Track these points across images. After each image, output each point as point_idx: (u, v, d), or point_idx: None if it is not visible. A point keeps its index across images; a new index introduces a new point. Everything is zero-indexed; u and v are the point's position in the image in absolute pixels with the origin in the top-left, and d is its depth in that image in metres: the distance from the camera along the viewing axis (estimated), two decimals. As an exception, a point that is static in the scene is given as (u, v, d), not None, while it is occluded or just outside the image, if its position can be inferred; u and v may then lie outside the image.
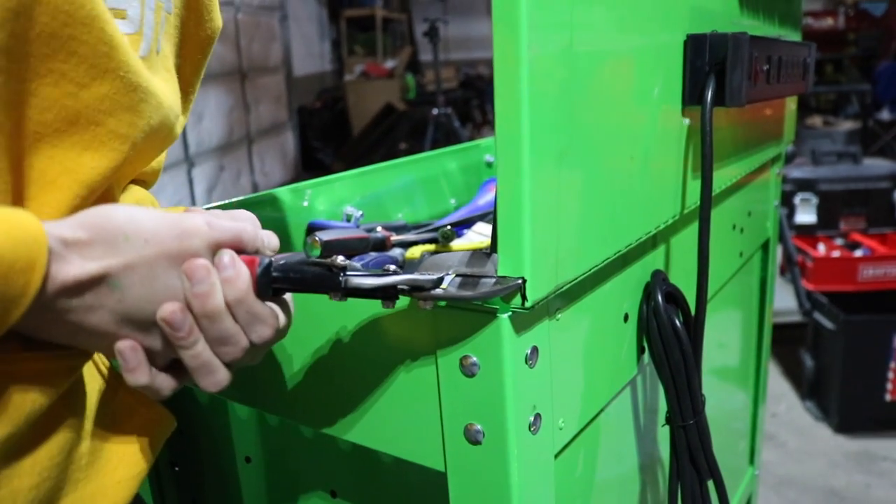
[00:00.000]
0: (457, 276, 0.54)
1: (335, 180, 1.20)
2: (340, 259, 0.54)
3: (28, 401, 0.50)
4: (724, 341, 1.25)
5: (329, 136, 8.35)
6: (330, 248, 0.95)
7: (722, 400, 1.30)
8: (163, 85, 0.60)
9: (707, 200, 0.74)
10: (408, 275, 0.53)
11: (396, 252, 1.03)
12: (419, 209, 1.40)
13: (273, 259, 0.54)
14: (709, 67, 0.75)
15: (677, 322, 0.73)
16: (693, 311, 0.77)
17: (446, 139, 5.54)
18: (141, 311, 0.49)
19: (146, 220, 0.49)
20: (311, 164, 8.37)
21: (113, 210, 0.49)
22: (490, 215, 1.16)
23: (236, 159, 6.97)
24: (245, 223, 0.56)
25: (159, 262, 0.48)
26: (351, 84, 8.64)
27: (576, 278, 0.58)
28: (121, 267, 0.47)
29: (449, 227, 1.11)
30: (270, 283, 0.53)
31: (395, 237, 1.06)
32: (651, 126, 0.70)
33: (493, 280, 0.52)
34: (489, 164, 1.56)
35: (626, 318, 0.73)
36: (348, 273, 0.53)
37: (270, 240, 0.57)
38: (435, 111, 5.27)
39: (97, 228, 0.47)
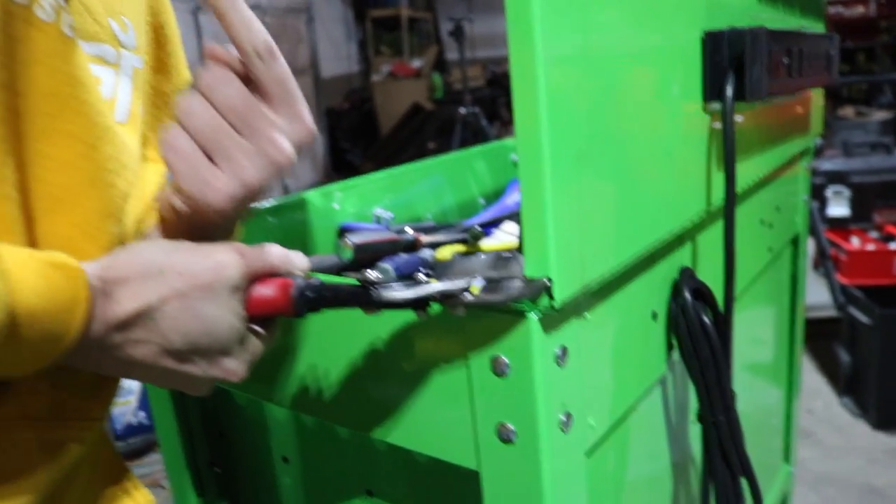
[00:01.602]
0: (485, 280, 0.55)
1: (364, 182, 1.22)
2: (372, 274, 0.55)
3: (33, 473, 0.52)
4: (755, 337, 1.25)
5: (358, 137, 8.39)
6: (361, 251, 0.97)
7: (754, 396, 1.30)
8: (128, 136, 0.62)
9: (731, 197, 0.74)
10: (438, 285, 0.54)
11: (426, 253, 1.04)
12: (448, 209, 1.41)
13: (306, 280, 0.56)
14: (728, 63, 0.76)
15: (706, 319, 0.74)
16: (722, 308, 0.78)
17: (474, 138, 5.55)
18: (180, 341, 0.51)
19: (179, 254, 0.51)
20: (340, 166, 8.41)
21: (147, 247, 0.51)
22: (517, 214, 1.17)
23: (266, 164, 7.02)
24: (274, 247, 0.57)
25: (195, 294, 0.50)
26: (378, 84, 8.67)
27: (602, 277, 0.59)
28: (159, 301, 0.49)
29: (478, 226, 1.12)
30: (306, 304, 0.55)
31: (424, 238, 1.08)
32: (672, 123, 0.71)
33: (520, 282, 0.54)
34: (516, 164, 1.57)
35: (654, 315, 0.74)
36: (381, 287, 0.54)
37: (300, 261, 0.59)
38: (462, 111, 5.27)
39: (134, 265, 0.49)
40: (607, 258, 0.60)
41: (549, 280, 0.53)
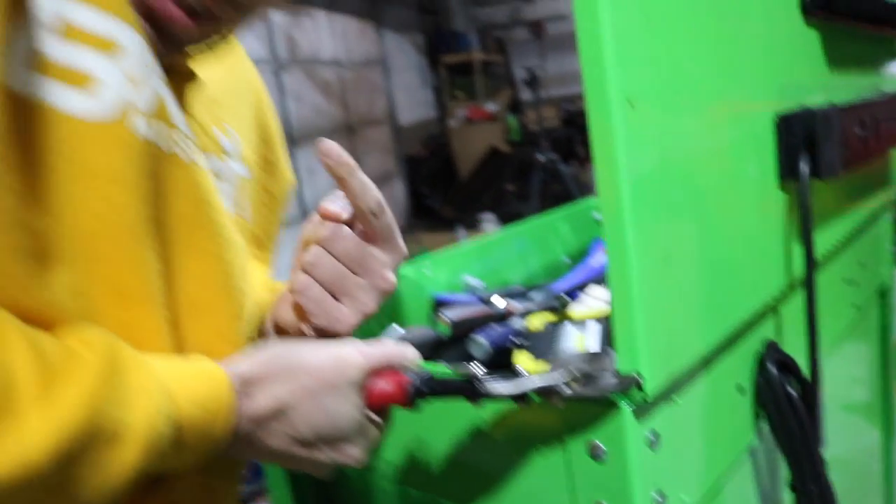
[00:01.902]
0: (581, 374, 0.60)
1: (453, 253, 1.28)
2: (478, 370, 0.61)
3: None
4: (847, 387, 1.26)
5: (437, 182, 8.52)
6: (458, 327, 1.03)
7: (849, 448, 1.30)
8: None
9: (811, 273, 0.77)
10: (537, 380, 0.59)
11: (518, 323, 1.10)
12: (534, 272, 1.46)
13: (419, 373, 0.63)
14: (801, 142, 0.80)
15: (791, 391, 0.77)
16: (808, 377, 0.81)
17: (553, 181, 5.60)
18: (309, 432, 0.58)
19: (309, 354, 0.59)
20: (420, 211, 8.55)
21: (278, 348, 0.59)
22: (602, 277, 1.22)
23: (350, 212, 7.20)
24: (389, 342, 0.65)
25: (322, 390, 0.58)
26: (455, 130, 8.81)
27: (690, 364, 0.64)
28: (291, 398, 0.57)
29: (565, 294, 1.17)
30: (418, 396, 0.61)
31: (515, 307, 1.13)
32: (750, 203, 0.75)
33: (613, 376, 0.58)
34: (598, 222, 1.62)
35: (741, 389, 0.77)
36: (484, 381, 0.60)
37: (412, 354, 0.65)
38: (540, 157, 5.34)
39: (269, 365, 0.57)
40: (694, 345, 0.64)
41: (639, 374, 0.57)
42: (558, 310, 1.09)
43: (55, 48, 0.49)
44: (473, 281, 1.27)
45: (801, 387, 0.80)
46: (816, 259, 0.80)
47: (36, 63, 0.48)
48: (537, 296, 1.23)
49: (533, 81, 5.34)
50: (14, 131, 0.46)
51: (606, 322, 0.95)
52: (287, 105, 6.09)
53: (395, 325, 1.12)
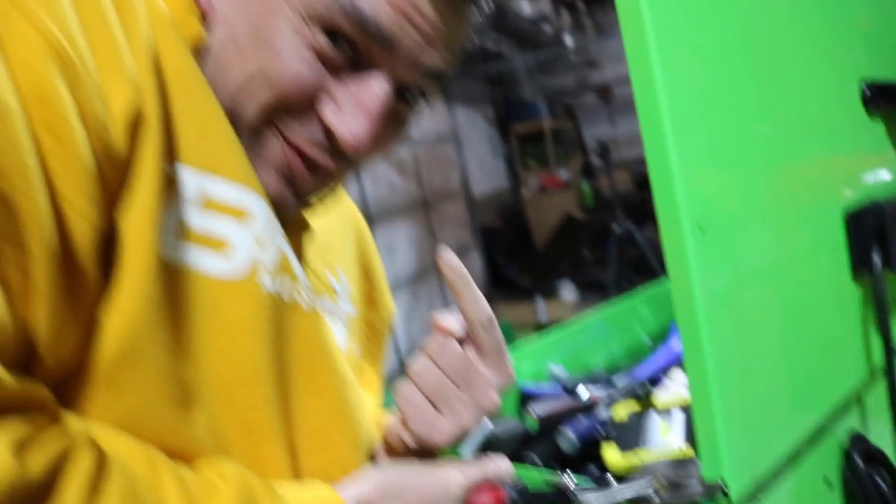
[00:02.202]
0: (668, 482, 0.64)
1: (537, 342, 1.33)
2: (570, 481, 0.65)
3: None
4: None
5: (513, 252, 8.57)
6: (545, 421, 1.07)
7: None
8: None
9: (891, 364, 0.79)
10: (627, 490, 0.63)
11: (603, 413, 1.13)
12: (616, 355, 1.49)
13: (515, 486, 0.67)
14: (871, 236, 0.82)
15: (881, 483, 0.78)
16: (897, 466, 0.81)
17: (630, 247, 5.59)
18: None
19: (415, 477, 0.64)
20: (498, 281, 8.59)
21: (391, 471, 0.65)
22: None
23: (428, 287, 7.30)
24: (487, 460, 0.69)
25: None
26: (529, 199, 8.90)
27: (774, 465, 0.66)
28: None
29: (648, 380, 1.20)
30: None
31: (600, 397, 1.16)
32: (825, 299, 0.78)
33: (699, 484, 0.62)
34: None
35: (829, 483, 0.79)
36: (577, 493, 0.64)
37: (508, 469, 0.70)
38: (616, 227, 5.35)
39: (380, 489, 0.63)
40: (777, 444, 0.67)
41: (724, 481, 0.60)
42: (642, 398, 1.11)
43: (197, 219, 0.57)
44: (557, 369, 1.31)
45: (891, 478, 0.81)
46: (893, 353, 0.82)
47: (182, 233, 0.57)
48: (621, 382, 1.25)
49: (604, 152, 5.41)
50: (166, 295, 0.54)
51: (690, 410, 0.98)
52: (364, 185, 6.27)
53: (485, 419, 1.16)
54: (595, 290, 7.31)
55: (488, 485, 0.67)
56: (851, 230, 0.83)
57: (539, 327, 6.52)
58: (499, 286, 8.67)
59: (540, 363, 1.32)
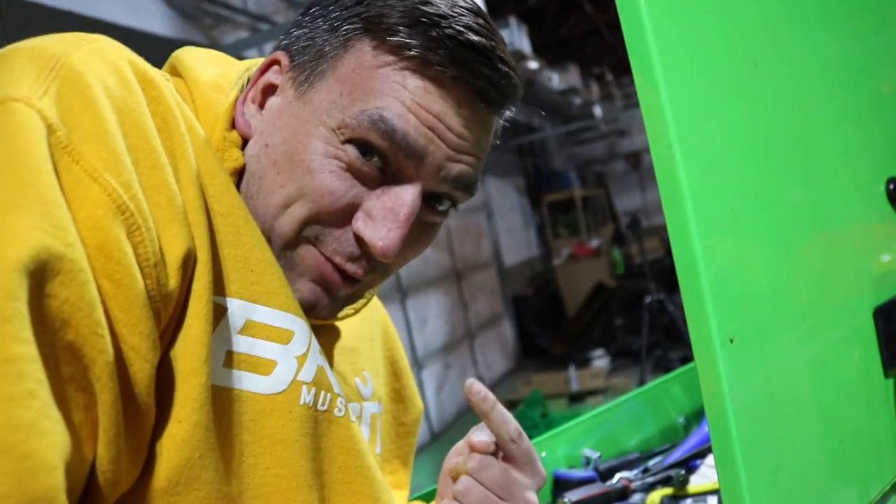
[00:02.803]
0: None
1: (570, 427, 1.33)
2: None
3: None
4: None
5: (545, 321, 8.56)
6: (579, 508, 1.08)
7: None
8: None
9: (925, 461, 0.80)
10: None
11: (637, 498, 1.13)
12: (650, 435, 1.49)
13: None
14: (903, 332, 0.83)
15: (917, 579, 0.78)
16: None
17: (661, 314, 5.57)
18: None
19: None
20: (530, 350, 8.56)
21: None
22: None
23: (460, 356, 7.29)
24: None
25: None
26: (560, 268, 8.91)
27: (807, 565, 0.67)
28: None
29: (682, 463, 1.21)
30: None
31: (633, 483, 1.17)
32: (857, 398, 0.79)
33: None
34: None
35: (864, 579, 0.79)
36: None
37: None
38: (647, 299, 5.36)
39: None
40: (809, 545, 0.68)
41: (757, 584, 0.61)
42: (676, 484, 1.12)
43: (243, 344, 0.62)
44: (591, 453, 1.31)
45: (927, 573, 0.80)
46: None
47: (230, 359, 0.61)
48: (655, 465, 1.26)
49: (634, 222, 5.46)
50: (216, 419, 0.58)
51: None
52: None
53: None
54: (627, 357, 7.27)
55: None
56: (881, 325, 0.84)
57: (571, 397, 6.47)
58: (530, 355, 8.64)
59: (573, 447, 1.32)
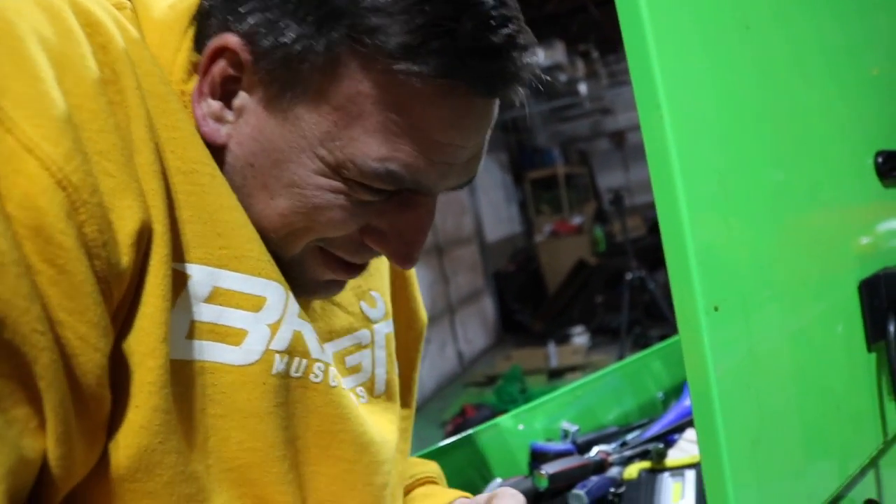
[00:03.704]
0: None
1: (549, 400, 1.33)
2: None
3: None
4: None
5: (526, 297, 8.58)
6: (556, 479, 1.07)
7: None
8: (383, 424, 0.77)
9: (906, 435, 0.79)
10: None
11: (615, 471, 1.12)
12: (629, 409, 1.49)
13: None
14: (886, 304, 0.82)
15: (895, 553, 0.77)
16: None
17: (641, 292, 5.59)
18: None
19: None
20: (510, 326, 8.58)
21: None
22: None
23: (440, 331, 7.29)
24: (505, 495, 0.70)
25: None
26: (542, 244, 8.92)
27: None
28: None
29: (660, 437, 1.20)
30: None
31: (611, 456, 1.16)
32: (840, 369, 0.78)
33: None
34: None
35: (843, 552, 0.78)
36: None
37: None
38: (629, 276, 5.36)
39: None
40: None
41: (737, 555, 0.60)
42: (654, 458, 1.11)
43: (208, 313, 0.58)
44: (569, 426, 1.31)
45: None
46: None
47: (193, 331, 0.58)
48: (633, 439, 1.25)
49: (617, 200, 5.46)
50: (178, 397, 0.55)
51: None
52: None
53: (497, 479, 1.16)
54: (607, 335, 7.30)
55: None
56: (865, 299, 0.83)
57: (551, 373, 6.49)
58: (511, 330, 8.65)
59: (552, 420, 1.31)
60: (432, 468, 0.94)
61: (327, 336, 0.71)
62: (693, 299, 0.59)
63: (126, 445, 0.52)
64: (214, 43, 0.61)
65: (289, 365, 0.63)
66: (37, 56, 0.49)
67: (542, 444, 1.25)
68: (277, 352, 0.62)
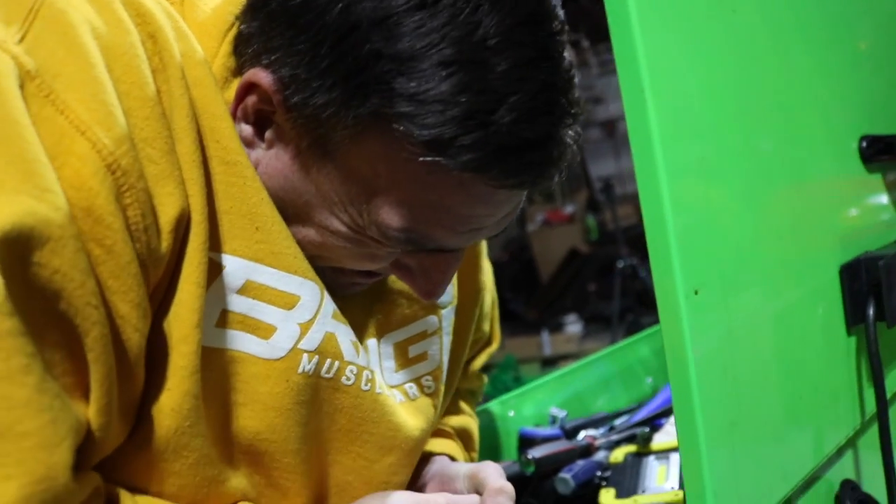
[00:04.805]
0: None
1: (537, 386, 1.34)
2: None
3: None
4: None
5: (519, 286, 8.57)
6: (542, 463, 1.08)
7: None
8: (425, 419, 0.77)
9: (884, 419, 0.80)
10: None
11: (601, 455, 1.13)
12: (617, 396, 1.50)
13: None
14: (866, 289, 0.83)
15: (873, 531, 0.79)
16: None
17: (633, 280, 5.61)
18: None
19: (398, 499, 0.65)
20: (504, 315, 8.54)
21: (377, 499, 0.66)
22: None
23: (433, 319, 7.29)
24: (487, 472, 0.70)
25: None
26: (534, 233, 8.91)
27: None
28: None
29: (647, 422, 1.21)
30: None
31: (598, 441, 1.17)
32: (819, 352, 0.79)
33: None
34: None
35: (821, 531, 0.80)
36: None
37: (509, 490, 0.71)
38: (620, 263, 5.37)
39: None
40: (767, 497, 0.68)
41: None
42: (640, 442, 1.12)
43: (240, 305, 0.60)
44: (557, 412, 1.32)
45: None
46: (893, 392, 0.83)
47: (225, 320, 0.59)
48: (621, 424, 1.26)
49: (608, 188, 5.49)
50: (208, 383, 0.57)
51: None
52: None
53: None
54: (600, 322, 7.30)
55: None
56: (846, 283, 0.84)
57: (544, 361, 6.50)
58: (504, 319, 8.62)
59: (541, 406, 1.33)
60: (461, 423, 0.94)
61: (385, 327, 0.72)
62: (673, 283, 0.60)
63: (158, 426, 0.54)
64: (249, 76, 0.61)
65: (319, 365, 0.63)
66: (88, 43, 0.50)
67: (530, 429, 1.26)
68: (306, 351, 0.62)
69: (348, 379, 0.66)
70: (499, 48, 0.54)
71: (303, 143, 0.60)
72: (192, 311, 0.55)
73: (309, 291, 0.63)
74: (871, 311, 0.82)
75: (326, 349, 0.64)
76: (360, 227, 0.60)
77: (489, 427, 1.23)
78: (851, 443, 0.87)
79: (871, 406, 0.86)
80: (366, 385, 0.67)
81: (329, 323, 0.65)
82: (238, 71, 0.63)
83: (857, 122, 0.93)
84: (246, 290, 0.60)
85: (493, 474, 0.74)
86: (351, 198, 0.60)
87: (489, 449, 1.22)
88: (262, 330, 0.60)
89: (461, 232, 0.61)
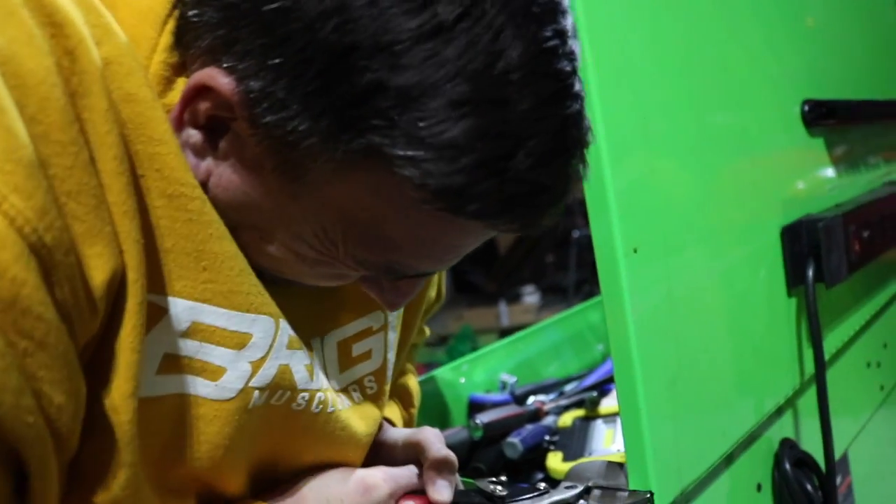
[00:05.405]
0: (595, 488, 0.65)
1: (489, 352, 1.34)
2: (499, 489, 0.66)
3: None
4: (883, 471, 1.27)
5: (478, 258, 8.59)
6: (490, 428, 1.08)
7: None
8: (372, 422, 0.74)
9: (821, 378, 0.82)
10: (556, 496, 0.64)
11: (550, 420, 1.14)
12: (568, 362, 1.51)
13: None
14: (806, 251, 0.85)
15: (808, 487, 0.80)
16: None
17: (589, 251, 5.64)
18: None
19: (336, 483, 0.65)
20: (463, 287, 8.59)
21: (313, 481, 0.65)
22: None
23: (392, 291, 7.29)
24: (427, 440, 0.70)
25: None
26: (493, 204, 8.93)
27: (702, 474, 0.68)
28: None
29: (596, 386, 1.22)
30: None
31: (547, 406, 1.18)
32: (759, 312, 0.80)
33: (626, 493, 0.63)
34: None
35: (759, 487, 0.81)
36: (507, 501, 0.65)
37: (452, 459, 0.70)
38: (576, 234, 5.40)
39: (302, 497, 0.63)
40: (706, 454, 0.69)
41: (651, 493, 0.62)
42: (589, 406, 1.13)
43: (186, 348, 0.54)
44: (508, 378, 1.32)
45: (819, 482, 0.83)
46: (832, 353, 0.85)
47: (167, 365, 0.53)
48: (571, 389, 1.27)
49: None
50: (148, 427, 0.51)
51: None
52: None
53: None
54: (557, 293, 7.36)
55: (415, 493, 0.68)
56: (787, 245, 0.85)
57: (502, 332, 6.54)
58: (463, 291, 8.67)
59: (492, 373, 1.33)
60: (400, 380, 0.93)
61: (330, 324, 0.68)
62: (612, 241, 0.60)
63: (98, 500, 0.49)
64: (202, 78, 0.51)
65: (269, 397, 0.60)
66: None
67: (480, 395, 1.26)
68: (257, 388, 0.58)
69: (298, 405, 0.62)
70: (522, 83, 0.47)
71: (268, 164, 0.51)
72: (126, 381, 0.48)
73: (262, 328, 0.57)
74: (810, 273, 0.84)
75: (280, 383, 0.60)
76: (332, 253, 0.55)
77: (440, 393, 1.23)
78: (791, 403, 0.89)
79: (810, 367, 0.87)
80: (317, 407, 0.64)
81: (283, 355, 0.60)
82: (182, 67, 0.54)
83: (800, 86, 0.94)
84: (192, 332, 0.53)
85: (434, 441, 0.71)
86: (324, 226, 0.53)
87: (439, 415, 1.23)
88: (210, 372, 0.55)
89: (446, 260, 0.57)
